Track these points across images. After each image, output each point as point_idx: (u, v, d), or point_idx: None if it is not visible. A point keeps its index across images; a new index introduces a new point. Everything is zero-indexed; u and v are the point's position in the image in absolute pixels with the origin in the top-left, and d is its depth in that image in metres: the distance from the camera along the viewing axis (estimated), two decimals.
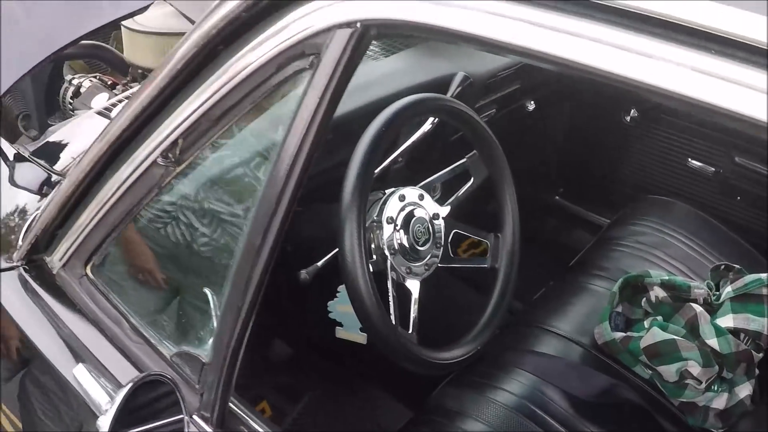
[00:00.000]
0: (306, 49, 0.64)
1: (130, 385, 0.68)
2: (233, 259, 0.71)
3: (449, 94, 1.22)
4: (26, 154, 1.25)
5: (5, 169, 1.29)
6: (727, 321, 1.27)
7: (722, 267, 1.40)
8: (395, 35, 1.28)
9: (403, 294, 1.09)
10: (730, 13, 0.41)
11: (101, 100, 1.77)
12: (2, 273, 1.00)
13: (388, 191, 1.09)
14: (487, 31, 0.54)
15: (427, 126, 1.18)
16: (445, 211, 1.15)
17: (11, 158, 1.33)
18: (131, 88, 1.91)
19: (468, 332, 1.15)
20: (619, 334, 1.29)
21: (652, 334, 1.25)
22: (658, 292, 1.34)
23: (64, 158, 1.21)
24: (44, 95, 2.00)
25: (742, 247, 1.47)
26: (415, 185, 1.13)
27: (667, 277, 1.35)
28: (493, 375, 1.22)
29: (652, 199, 1.62)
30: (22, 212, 1.14)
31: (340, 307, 1.16)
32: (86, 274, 0.91)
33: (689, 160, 1.63)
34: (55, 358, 0.89)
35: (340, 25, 0.62)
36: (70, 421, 0.92)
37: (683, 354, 1.22)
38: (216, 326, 0.73)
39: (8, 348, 0.99)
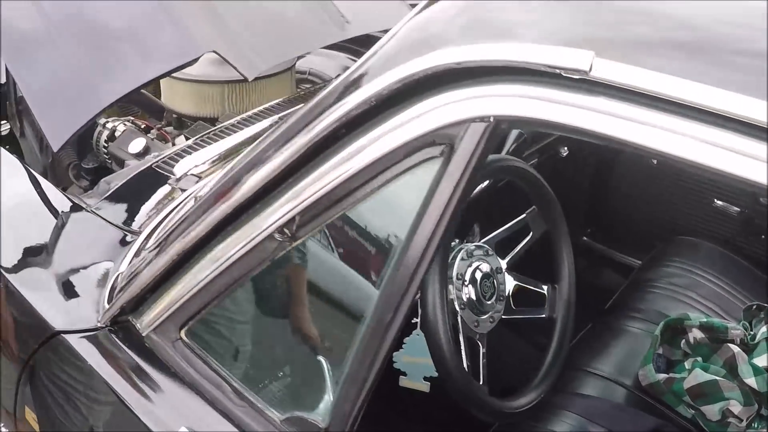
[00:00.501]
0: (437, 139, 0.68)
1: None
2: (358, 334, 0.74)
3: (505, 150, 1.27)
4: (90, 210, 1.27)
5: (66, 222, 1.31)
6: (763, 360, 1.34)
7: (754, 307, 1.46)
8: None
9: (471, 346, 1.13)
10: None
11: (138, 145, 1.79)
12: (87, 334, 1.02)
13: (455, 247, 1.14)
14: (617, 132, 0.60)
15: (485, 182, 1.23)
16: (505, 264, 1.21)
17: (67, 210, 1.35)
18: (166, 132, 1.94)
19: (530, 381, 1.19)
20: (662, 376, 1.34)
21: (695, 376, 1.31)
22: (696, 334, 1.40)
23: (136, 215, 1.23)
24: (76, 138, 2.00)
25: None
26: (478, 239, 1.18)
27: (705, 319, 1.41)
28: (543, 418, 1.26)
29: (681, 240, 1.69)
30: (92, 270, 1.16)
31: (406, 358, 1.19)
32: (181, 338, 0.94)
33: (714, 200, 1.69)
34: (156, 420, 0.90)
35: (474, 119, 0.66)
36: None
37: (725, 394, 1.27)
38: (337, 394, 0.76)
39: (99, 408, 1.01)
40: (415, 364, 1.16)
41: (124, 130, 1.88)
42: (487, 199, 1.31)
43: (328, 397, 0.79)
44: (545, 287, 1.25)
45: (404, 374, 1.23)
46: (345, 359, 0.76)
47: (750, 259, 1.62)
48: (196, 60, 1.49)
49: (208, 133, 1.49)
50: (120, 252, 1.16)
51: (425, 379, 1.18)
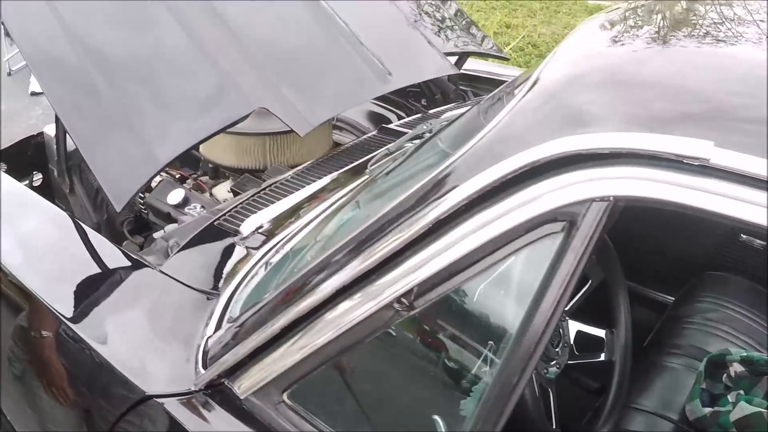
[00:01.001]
0: (559, 216, 0.74)
1: None
2: (478, 393, 0.78)
3: None
4: (160, 270, 1.30)
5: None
6: None
7: None
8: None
9: (543, 393, 1.18)
10: None
11: (177, 196, 1.82)
12: (183, 398, 1.04)
13: None
14: (733, 212, 0.66)
15: None
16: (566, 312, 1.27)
17: (129, 267, 1.37)
18: (202, 182, 1.98)
19: (594, 422, 1.24)
20: (708, 410, 1.40)
21: (741, 408, 1.37)
22: (737, 368, 1.47)
23: (208, 276, 1.26)
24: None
25: None
26: None
27: (745, 354, 1.48)
28: None
29: (711, 275, 1.76)
30: (173, 331, 1.18)
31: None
32: (283, 401, 0.97)
33: (741, 235, 1.77)
34: None
35: (595, 199, 0.72)
36: None
37: None
38: None
39: None
40: None
41: (161, 181, 1.92)
42: None
43: None
44: (603, 332, 1.30)
45: None
46: (463, 423, 0.80)
47: None
48: (247, 116, 1.53)
49: (264, 189, 1.53)
50: (198, 313, 1.18)
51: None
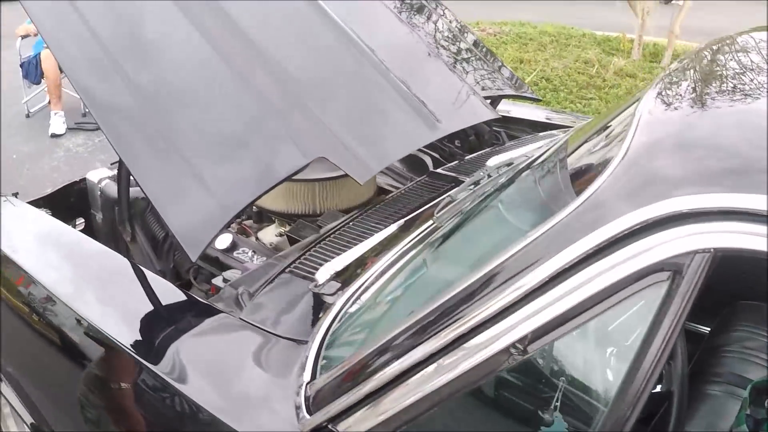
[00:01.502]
0: (665, 267, 0.83)
1: None
2: None
3: None
4: (242, 318, 1.36)
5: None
6: None
7: None
8: None
9: None
10: None
11: (225, 240, 1.89)
12: None
13: None
14: None
15: None
16: None
17: (203, 315, 1.42)
18: (247, 226, 2.04)
19: None
20: None
21: None
22: None
23: (289, 323, 1.32)
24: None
25: None
26: None
27: None
28: None
29: (744, 304, 1.84)
30: (264, 379, 1.23)
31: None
32: None
33: None
34: None
35: (698, 251, 0.81)
36: None
37: None
38: None
39: None
40: None
41: None
42: None
43: None
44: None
45: None
46: None
47: None
48: (308, 165, 1.61)
49: (328, 236, 1.60)
50: (289, 360, 1.23)
51: None
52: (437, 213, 1.44)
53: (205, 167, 1.57)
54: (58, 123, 5.13)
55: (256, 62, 1.74)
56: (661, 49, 6.95)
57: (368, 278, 1.35)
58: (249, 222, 2.12)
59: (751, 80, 1.11)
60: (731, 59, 1.26)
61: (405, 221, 1.54)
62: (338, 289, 1.37)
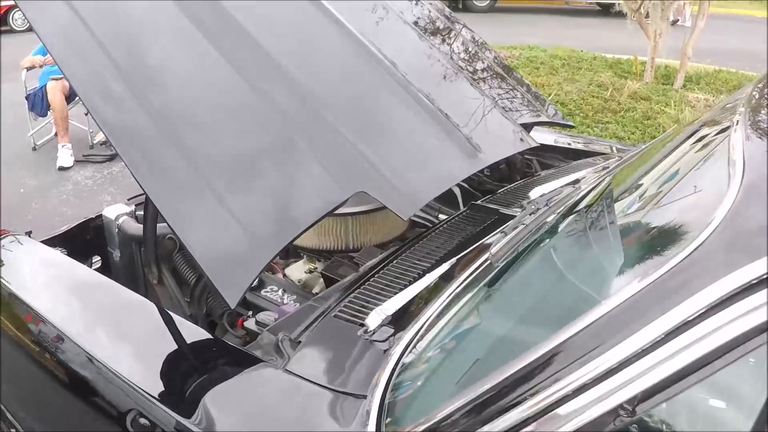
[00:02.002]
0: None
1: None
2: None
3: None
4: (283, 368, 1.24)
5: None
6: None
7: None
8: None
9: None
10: None
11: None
12: None
13: None
14: None
15: None
16: None
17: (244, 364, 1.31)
18: (274, 263, 1.93)
19: None
20: None
21: None
22: None
23: (339, 374, 1.21)
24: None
25: None
26: None
27: None
28: None
29: None
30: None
31: None
32: None
33: None
34: None
35: None
36: None
37: None
38: None
39: None
40: None
41: None
42: None
43: None
44: None
45: None
46: None
47: None
48: (346, 201, 1.51)
49: (371, 276, 1.49)
50: (347, 417, 1.12)
51: None
52: (493, 251, 1.32)
53: (238, 203, 1.47)
54: (65, 156, 5.04)
55: (283, 87, 1.65)
56: (673, 71, 6.90)
57: (424, 324, 1.23)
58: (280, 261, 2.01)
59: None
60: None
61: (456, 260, 1.42)
62: (390, 335, 1.26)
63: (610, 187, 1.38)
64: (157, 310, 1.52)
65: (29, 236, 1.98)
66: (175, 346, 1.42)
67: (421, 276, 1.42)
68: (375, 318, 1.27)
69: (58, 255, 1.78)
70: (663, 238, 0.96)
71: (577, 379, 0.82)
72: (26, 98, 5.25)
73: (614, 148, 2.52)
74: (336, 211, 1.80)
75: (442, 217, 2.22)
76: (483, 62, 2.26)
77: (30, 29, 1.66)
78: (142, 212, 1.95)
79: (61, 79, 4.87)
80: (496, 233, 1.43)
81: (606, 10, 13.78)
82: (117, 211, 2.16)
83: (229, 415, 1.20)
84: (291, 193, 1.52)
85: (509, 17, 12.63)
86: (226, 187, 1.48)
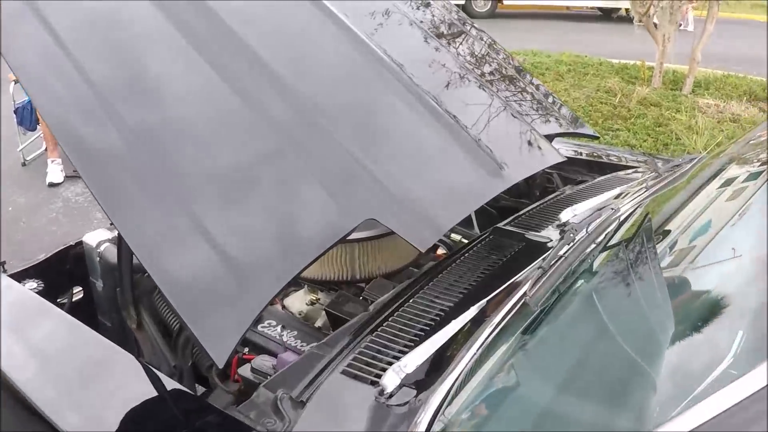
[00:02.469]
0: None
1: None
2: None
3: None
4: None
5: None
6: None
7: None
8: None
9: None
10: None
11: None
12: None
13: None
14: None
15: None
16: None
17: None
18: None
19: None
20: None
21: None
22: None
23: None
24: None
25: None
26: None
27: None
28: None
29: None
30: None
31: None
32: None
33: None
34: None
35: None
36: None
37: None
38: None
39: None
40: None
41: None
42: None
43: None
44: None
45: None
46: None
47: None
48: (353, 231, 1.30)
49: (385, 320, 1.28)
50: None
51: None
52: (530, 292, 1.12)
53: (225, 237, 1.26)
54: (55, 171, 4.83)
55: (277, 95, 1.44)
56: (681, 77, 6.71)
57: (453, 385, 1.02)
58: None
59: None
60: None
61: (486, 301, 1.20)
62: (412, 399, 1.05)
63: (650, 223, 1.18)
64: (140, 365, 1.31)
65: (3, 268, 1.78)
66: (155, 411, 1.21)
67: (443, 319, 1.21)
68: (393, 378, 1.06)
69: (27, 296, 1.57)
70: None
71: None
72: (14, 112, 5.04)
73: (643, 161, 2.32)
74: (351, 237, 1.59)
75: (454, 236, 2.01)
76: (497, 65, 2.05)
77: None
78: None
79: None
80: (531, 268, 1.22)
81: (607, 15, 13.63)
82: (98, 238, 1.95)
83: None
84: (287, 224, 1.32)
85: (510, 23, 12.44)
86: (212, 218, 1.28)
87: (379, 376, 1.09)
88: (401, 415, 1.02)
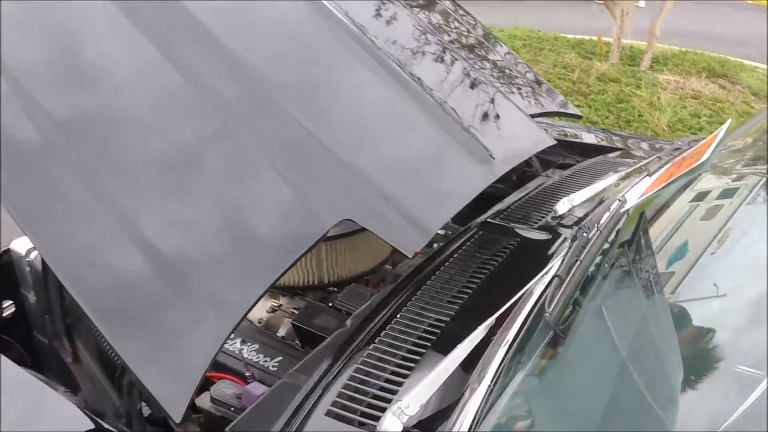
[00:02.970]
0: None
1: None
2: None
3: None
4: None
5: None
6: None
7: None
8: None
9: None
10: None
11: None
12: None
13: None
14: None
15: None
16: None
17: None
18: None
19: None
20: None
21: None
22: None
23: None
24: None
25: None
26: None
27: None
28: None
29: None
30: None
31: None
32: None
33: None
34: None
35: None
36: None
37: None
38: None
39: None
40: None
41: None
42: None
43: None
44: None
45: None
46: None
47: None
48: (325, 236, 1.10)
49: (366, 338, 1.08)
50: None
51: None
52: (549, 307, 0.93)
53: (170, 248, 1.05)
54: None
55: (224, 70, 1.23)
56: (638, 52, 6.64)
57: (461, 419, 0.84)
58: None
59: None
60: None
61: (494, 318, 1.01)
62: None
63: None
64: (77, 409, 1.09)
65: None
66: None
67: (439, 338, 1.02)
68: (393, 423, 0.86)
69: None
70: None
71: None
72: None
73: (628, 143, 2.18)
74: None
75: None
76: (476, 40, 1.86)
77: None
78: None
79: None
80: (542, 275, 1.04)
81: None
82: (28, 245, 1.70)
83: None
84: (241, 229, 1.11)
85: None
86: (154, 223, 1.06)
87: (367, 415, 0.90)
88: None
